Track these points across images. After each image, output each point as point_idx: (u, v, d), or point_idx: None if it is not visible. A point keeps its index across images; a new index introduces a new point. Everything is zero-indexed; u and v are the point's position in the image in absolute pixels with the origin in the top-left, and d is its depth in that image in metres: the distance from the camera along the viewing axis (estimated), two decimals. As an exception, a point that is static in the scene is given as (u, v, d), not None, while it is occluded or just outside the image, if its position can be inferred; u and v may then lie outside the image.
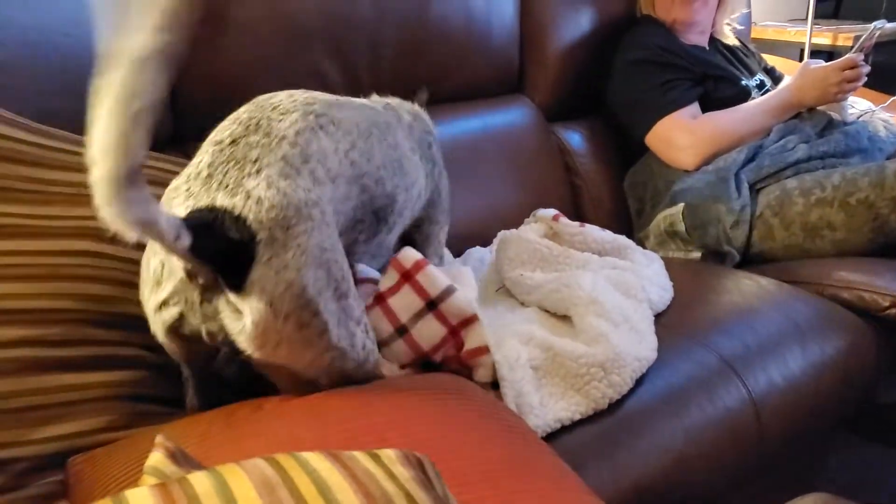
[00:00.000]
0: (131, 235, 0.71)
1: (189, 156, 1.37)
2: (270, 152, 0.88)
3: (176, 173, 1.15)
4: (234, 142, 0.90)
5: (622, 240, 1.47)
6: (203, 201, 0.84)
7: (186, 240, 0.77)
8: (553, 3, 1.88)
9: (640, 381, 1.12)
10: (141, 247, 1.03)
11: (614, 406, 1.08)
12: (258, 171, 0.85)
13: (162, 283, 0.85)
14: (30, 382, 0.89)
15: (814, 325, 1.32)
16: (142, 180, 0.69)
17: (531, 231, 1.46)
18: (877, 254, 1.52)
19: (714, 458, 1.12)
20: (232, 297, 0.82)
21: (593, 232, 1.44)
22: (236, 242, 0.81)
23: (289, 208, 0.84)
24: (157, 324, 0.88)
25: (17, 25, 1.15)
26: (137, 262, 1.02)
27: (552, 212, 1.51)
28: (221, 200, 0.83)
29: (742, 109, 1.77)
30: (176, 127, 1.41)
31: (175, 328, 0.87)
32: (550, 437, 0.99)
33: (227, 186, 0.84)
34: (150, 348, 1.01)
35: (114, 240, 1.00)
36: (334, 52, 1.52)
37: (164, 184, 1.12)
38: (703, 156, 1.71)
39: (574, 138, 1.92)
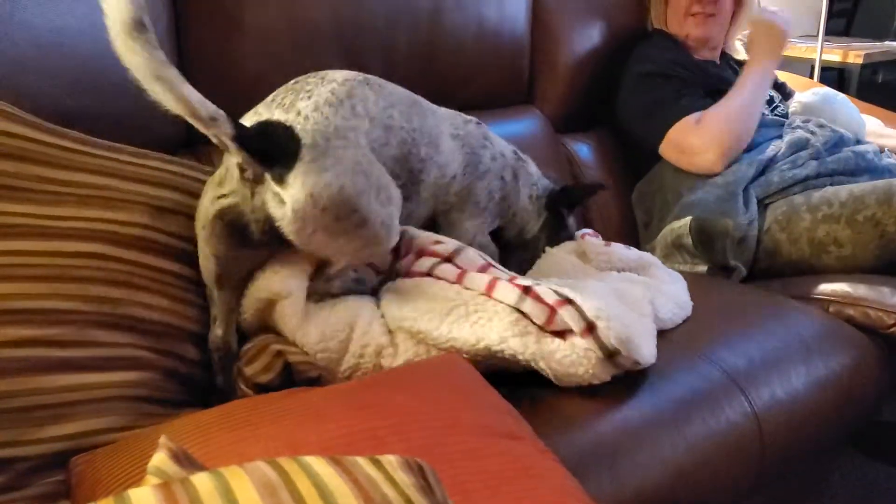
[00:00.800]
0: (161, 96, 0.92)
1: (201, 160, 1.40)
2: (320, 86, 1.09)
3: (189, 177, 1.17)
4: (296, 82, 1.12)
5: (647, 257, 1.46)
6: (264, 116, 1.06)
7: (227, 127, 0.96)
8: (564, 16, 1.89)
9: (642, 393, 1.12)
10: (150, 250, 1.05)
11: (617, 417, 1.08)
12: (309, 97, 1.06)
13: (224, 183, 1.04)
14: (32, 382, 0.89)
15: (818, 341, 1.32)
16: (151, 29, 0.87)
17: (560, 248, 1.47)
18: (883, 271, 1.52)
19: (715, 472, 1.12)
20: (276, 188, 0.99)
21: (618, 250, 1.44)
22: (284, 146, 0.99)
23: (329, 126, 1.04)
24: (211, 211, 1.04)
25: (32, 27, 1.17)
26: (145, 266, 1.04)
27: (581, 231, 1.55)
28: (277, 115, 1.05)
29: (730, 96, 1.77)
30: (189, 131, 1.41)
31: (223, 214, 1.04)
32: (552, 444, 0.99)
33: (283, 106, 1.06)
34: (156, 350, 1.02)
35: (122, 243, 1.02)
36: (346, 59, 1.53)
37: (177, 188, 1.14)
38: (723, 151, 1.70)
39: (583, 150, 1.93)
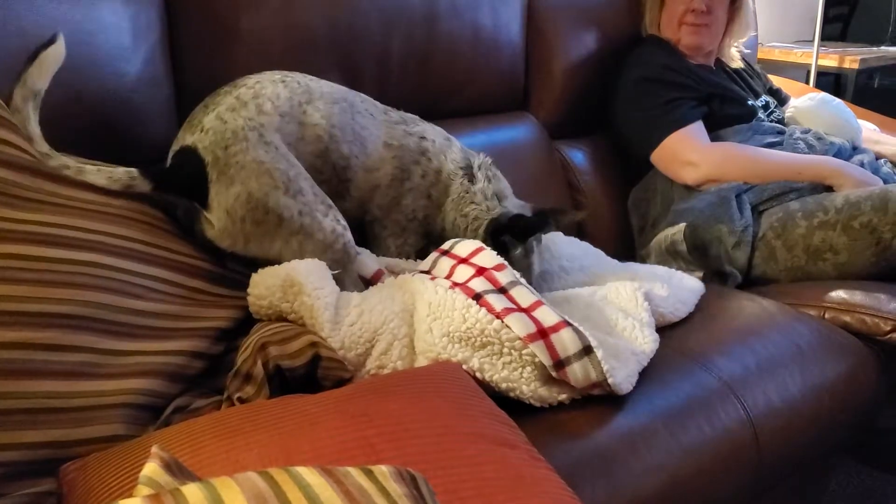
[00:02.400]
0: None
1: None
2: (228, 95, 1.13)
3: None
4: (211, 95, 1.16)
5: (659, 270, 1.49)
6: (179, 143, 1.12)
7: (144, 185, 1.06)
8: (559, 22, 1.90)
9: (638, 400, 1.12)
10: (146, 261, 1.06)
11: (612, 424, 1.07)
12: (214, 109, 1.11)
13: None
14: (17, 385, 0.89)
15: (814, 347, 1.32)
16: None
17: None
18: (879, 277, 1.52)
19: (711, 480, 1.12)
20: (206, 214, 1.08)
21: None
22: (193, 173, 1.06)
23: (226, 132, 1.08)
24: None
25: (25, 35, 1.16)
26: (142, 275, 1.05)
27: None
28: (187, 138, 1.10)
29: (763, 152, 1.75)
30: (182, 136, 1.42)
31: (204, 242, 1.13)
32: (546, 452, 0.99)
33: (192, 126, 1.11)
34: (156, 353, 1.02)
35: (119, 254, 1.03)
36: (341, 65, 1.53)
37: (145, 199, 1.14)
38: (705, 175, 1.71)
39: (577, 156, 1.93)
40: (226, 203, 1.07)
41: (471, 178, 1.37)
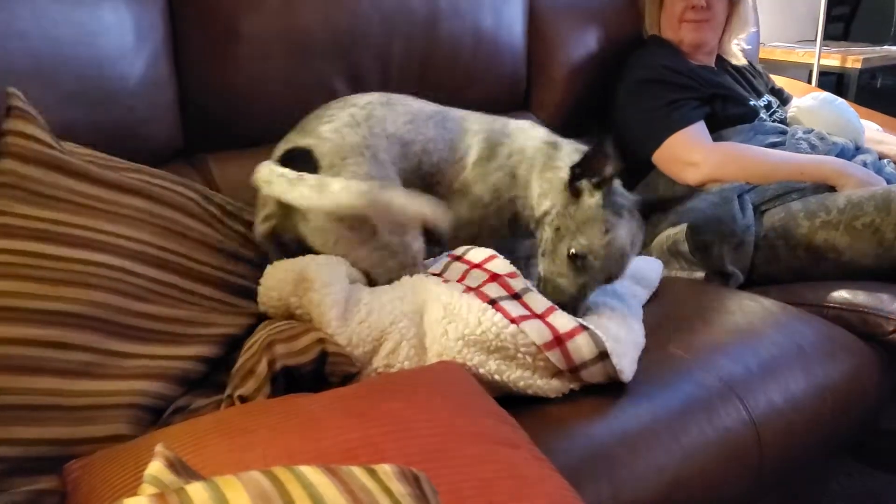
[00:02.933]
0: None
1: (198, 169, 1.40)
2: (342, 111, 1.24)
3: (188, 197, 1.18)
4: (323, 108, 1.27)
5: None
6: (291, 143, 1.21)
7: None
8: (561, 23, 1.90)
9: (639, 401, 1.12)
10: (153, 264, 1.06)
11: (614, 424, 1.08)
12: (330, 122, 1.21)
13: (264, 206, 1.19)
14: (21, 381, 0.89)
15: (817, 347, 1.32)
16: None
17: None
18: (881, 277, 1.52)
19: (713, 480, 1.12)
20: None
21: None
22: (306, 169, 1.11)
23: (345, 146, 1.18)
24: (260, 230, 1.21)
25: (27, 37, 1.17)
26: (150, 279, 1.06)
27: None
28: (301, 141, 1.20)
29: (765, 152, 1.75)
30: (186, 138, 1.42)
31: (270, 234, 1.21)
32: (549, 452, 0.99)
33: (305, 131, 1.22)
34: (163, 357, 1.02)
35: (128, 256, 1.03)
36: (343, 67, 1.54)
37: (180, 208, 1.15)
38: (707, 176, 1.71)
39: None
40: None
41: (555, 147, 1.36)
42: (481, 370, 1.07)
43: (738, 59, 2.03)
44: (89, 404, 0.93)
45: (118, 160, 1.14)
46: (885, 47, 3.42)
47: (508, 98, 1.87)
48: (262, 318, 1.14)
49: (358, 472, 0.53)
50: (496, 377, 1.07)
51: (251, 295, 1.16)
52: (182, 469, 0.60)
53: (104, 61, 1.27)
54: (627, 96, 1.86)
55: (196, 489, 0.50)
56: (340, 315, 1.07)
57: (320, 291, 1.08)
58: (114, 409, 0.94)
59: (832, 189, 1.66)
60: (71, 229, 0.99)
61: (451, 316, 1.09)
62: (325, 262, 1.14)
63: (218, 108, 1.43)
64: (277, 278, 1.12)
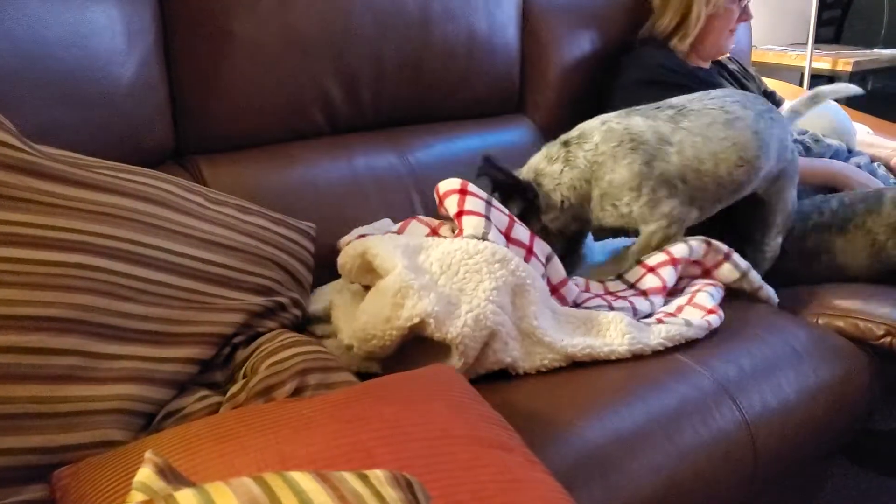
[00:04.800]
0: None
1: (190, 171, 1.40)
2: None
3: (177, 195, 1.16)
4: None
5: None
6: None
7: None
8: (554, 24, 1.90)
9: (634, 403, 1.12)
10: (137, 262, 1.05)
11: (608, 426, 1.07)
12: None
13: None
14: (3, 391, 0.87)
15: (809, 350, 1.32)
16: None
17: None
18: (874, 280, 1.52)
19: (708, 481, 1.12)
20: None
21: None
22: None
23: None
24: None
25: (15, 38, 1.16)
26: (132, 277, 1.03)
27: None
28: None
29: None
30: (177, 140, 1.41)
31: None
32: (543, 455, 0.99)
33: None
34: (149, 359, 1.01)
35: (109, 255, 1.02)
36: (336, 68, 1.53)
37: (167, 204, 1.13)
38: None
39: (573, 159, 1.92)
40: None
41: None
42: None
43: (729, 62, 2.03)
44: (76, 410, 0.92)
45: (93, 160, 1.11)
46: (876, 50, 3.43)
47: (502, 99, 1.87)
48: (250, 313, 1.13)
49: (349, 477, 0.53)
50: None
51: (238, 286, 1.14)
52: (172, 475, 0.59)
53: (94, 63, 1.26)
54: (624, 97, 1.84)
55: (185, 496, 0.50)
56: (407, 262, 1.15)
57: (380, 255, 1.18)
58: (102, 415, 0.93)
59: (825, 191, 1.66)
60: (46, 231, 0.97)
61: None
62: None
63: (210, 109, 1.42)
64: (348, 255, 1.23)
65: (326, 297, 1.32)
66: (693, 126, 1.42)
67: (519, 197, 1.42)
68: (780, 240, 1.55)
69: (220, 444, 0.79)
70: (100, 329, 0.97)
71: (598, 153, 1.39)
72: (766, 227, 1.54)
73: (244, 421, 0.85)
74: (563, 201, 1.42)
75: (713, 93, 1.51)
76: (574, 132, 1.46)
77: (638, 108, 1.47)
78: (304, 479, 0.51)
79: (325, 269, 1.38)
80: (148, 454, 0.60)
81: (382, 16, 1.57)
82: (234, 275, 1.16)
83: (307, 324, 1.28)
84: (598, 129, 1.42)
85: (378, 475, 0.54)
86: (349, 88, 1.57)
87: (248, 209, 1.25)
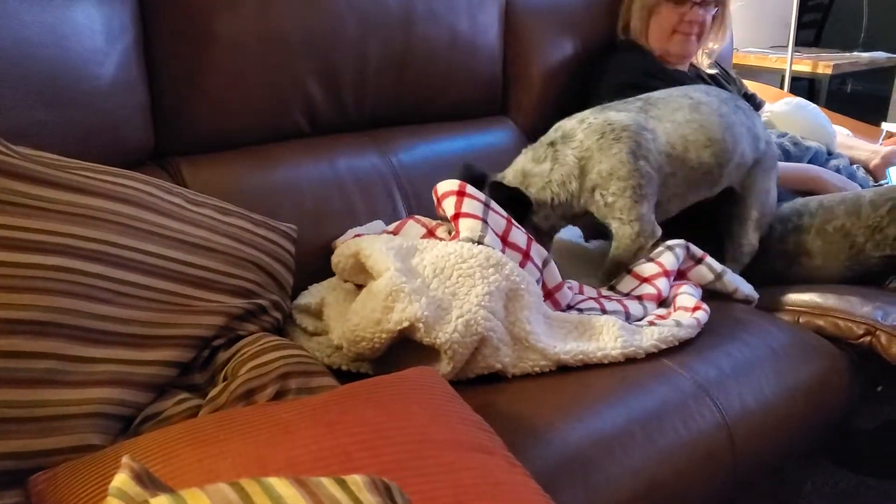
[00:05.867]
0: None
1: (171, 172, 1.39)
2: None
3: (157, 196, 1.15)
4: None
5: None
6: None
7: None
8: (537, 27, 1.90)
9: (614, 404, 1.12)
10: (115, 264, 1.04)
11: (589, 428, 1.08)
12: None
13: None
14: None
15: (788, 351, 1.33)
16: None
17: None
18: (853, 282, 1.53)
19: (689, 482, 1.13)
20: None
21: None
22: None
23: None
24: None
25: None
26: (110, 279, 1.02)
27: None
28: None
29: None
30: (158, 141, 1.40)
31: None
32: (524, 457, 0.99)
33: None
34: (127, 363, 1.00)
35: (86, 257, 1.01)
36: (318, 69, 1.53)
37: (147, 206, 1.12)
38: None
39: (556, 160, 1.93)
40: None
41: None
42: None
43: (708, 67, 2.04)
44: (54, 414, 0.91)
45: (71, 161, 1.10)
46: (855, 53, 3.47)
47: (486, 100, 1.87)
48: (230, 315, 1.12)
49: (327, 482, 0.53)
50: None
51: (219, 288, 1.14)
52: (149, 481, 0.59)
53: (73, 63, 1.24)
54: (605, 99, 1.86)
55: (161, 502, 0.49)
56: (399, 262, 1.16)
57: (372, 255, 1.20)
58: (80, 419, 0.92)
59: (804, 194, 1.68)
60: (22, 233, 0.96)
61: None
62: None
63: (191, 110, 1.41)
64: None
65: (320, 293, 1.32)
66: (662, 113, 1.47)
67: (510, 205, 1.42)
68: (758, 235, 1.57)
69: (198, 448, 0.78)
70: (77, 332, 0.96)
71: (584, 149, 1.42)
72: (742, 220, 1.56)
73: (223, 425, 0.84)
74: (552, 199, 1.43)
75: (677, 87, 1.57)
76: (555, 133, 1.47)
77: (608, 104, 1.50)
78: (281, 485, 0.51)
79: (307, 271, 1.37)
80: (125, 459, 0.60)
81: (365, 16, 1.56)
82: (213, 277, 1.15)
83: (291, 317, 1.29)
84: (579, 128, 1.44)
85: (356, 480, 0.54)
86: (331, 89, 1.56)
87: (229, 211, 1.24)
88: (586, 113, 1.49)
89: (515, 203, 1.42)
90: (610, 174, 1.39)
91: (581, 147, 1.42)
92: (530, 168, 1.45)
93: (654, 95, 1.52)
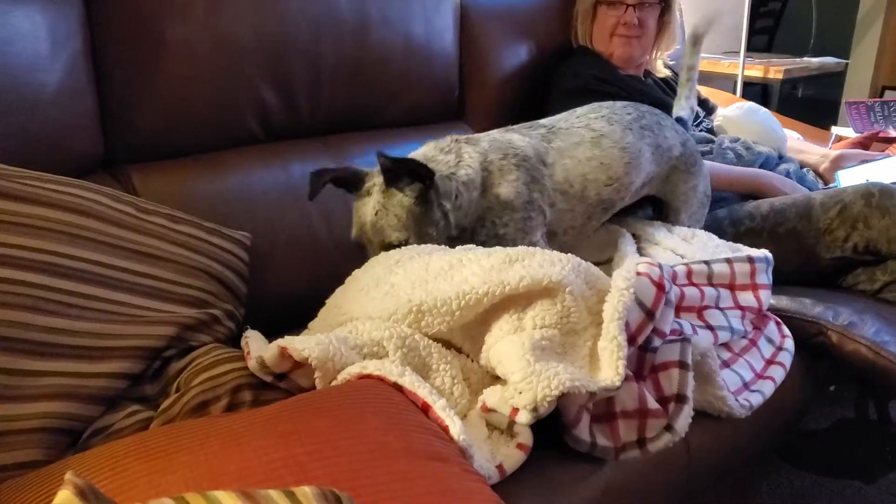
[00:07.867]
0: None
1: (119, 179, 1.36)
2: None
3: (106, 205, 1.12)
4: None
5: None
6: None
7: None
8: (493, 32, 1.91)
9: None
10: (62, 275, 1.01)
11: (544, 435, 1.08)
12: None
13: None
14: None
15: (742, 352, 1.34)
16: None
17: None
18: (805, 283, 1.56)
19: (644, 486, 1.13)
20: None
21: None
22: None
23: None
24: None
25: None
26: (57, 290, 1.00)
27: None
28: None
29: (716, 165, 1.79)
30: (107, 149, 1.37)
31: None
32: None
33: None
34: (75, 375, 0.98)
35: (32, 268, 0.98)
36: (271, 74, 1.51)
37: (95, 215, 1.10)
38: None
39: (513, 165, 1.93)
40: None
41: None
42: None
43: (664, 73, 2.07)
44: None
45: (17, 169, 1.08)
46: (806, 59, 3.54)
47: (442, 105, 1.87)
48: (182, 325, 1.10)
49: (276, 495, 0.52)
50: None
51: (170, 298, 1.12)
52: (93, 496, 0.57)
53: (18, 69, 1.22)
54: (558, 106, 1.87)
55: (101, 520, 0.48)
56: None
57: None
58: (24, 434, 0.90)
59: (756, 197, 1.70)
60: None
61: None
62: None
63: (141, 117, 1.39)
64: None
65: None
66: (563, 146, 1.42)
67: (412, 177, 1.27)
68: (699, 225, 1.57)
69: (147, 461, 0.77)
70: (23, 345, 0.94)
71: (487, 161, 1.35)
72: (675, 222, 1.56)
73: (173, 437, 0.82)
74: (456, 194, 1.31)
75: (579, 111, 1.52)
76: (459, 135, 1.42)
77: (513, 126, 1.46)
78: (227, 499, 0.50)
79: (261, 279, 1.35)
80: (68, 475, 0.58)
81: (318, 21, 1.55)
82: (164, 286, 1.13)
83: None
84: (485, 138, 1.39)
85: (306, 492, 0.53)
86: (285, 95, 1.54)
87: (180, 219, 1.22)
88: (493, 131, 1.44)
89: (416, 176, 1.26)
90: (505, 203, 1.33)
91: (485, 156, 1.35)
92: (433, 155, 1.35)
93: (558, 124, 1.47)
